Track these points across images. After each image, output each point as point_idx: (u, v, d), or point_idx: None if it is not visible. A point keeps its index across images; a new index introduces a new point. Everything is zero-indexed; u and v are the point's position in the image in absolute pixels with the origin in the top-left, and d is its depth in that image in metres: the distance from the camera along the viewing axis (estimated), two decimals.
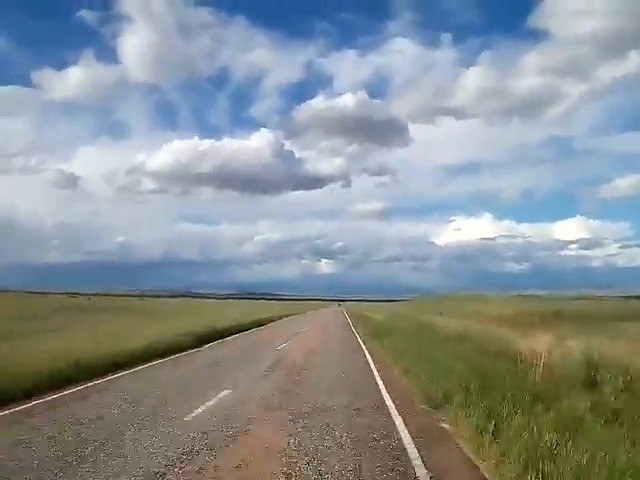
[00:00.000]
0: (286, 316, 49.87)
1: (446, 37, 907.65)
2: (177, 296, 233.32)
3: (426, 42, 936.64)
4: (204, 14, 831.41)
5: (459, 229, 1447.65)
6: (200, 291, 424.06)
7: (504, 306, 49.96)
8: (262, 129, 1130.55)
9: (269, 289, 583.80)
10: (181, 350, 15.47)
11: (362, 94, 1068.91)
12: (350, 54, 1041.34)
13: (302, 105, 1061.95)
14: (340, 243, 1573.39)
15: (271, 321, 38.51)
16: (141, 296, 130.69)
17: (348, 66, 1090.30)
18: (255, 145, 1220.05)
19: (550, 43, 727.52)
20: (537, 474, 4.52)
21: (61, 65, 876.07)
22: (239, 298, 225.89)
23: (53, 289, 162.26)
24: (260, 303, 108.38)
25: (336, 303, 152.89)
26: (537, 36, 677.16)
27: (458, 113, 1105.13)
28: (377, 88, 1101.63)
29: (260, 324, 32.65)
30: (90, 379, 9.99)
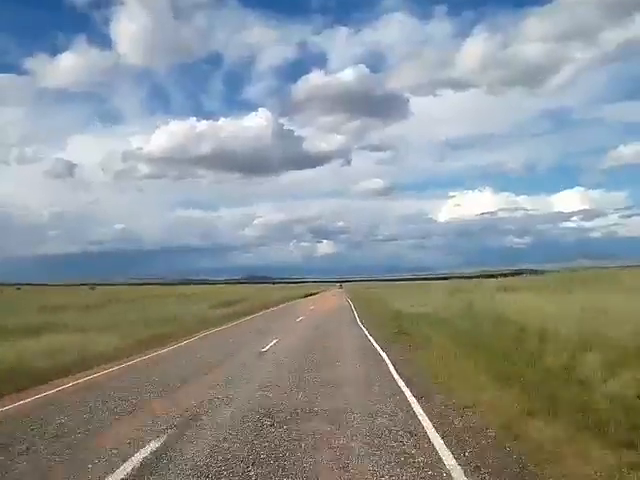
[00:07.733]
0: None
1: (442, 8, 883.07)
2: (175, 284, 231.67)
3: (422, 15, 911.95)
4: None
5: (459, 204, 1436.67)
6: (200, 277, 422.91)
7: None
8: (260, 109, 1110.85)
9: (269, 272, 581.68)
10: None
11: (362, 68, 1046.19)
12: (346, 31, 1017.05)
13: (300, 83, 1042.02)
14: (341, 223, 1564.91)
15: None
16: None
17: (345, 42, 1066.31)
18: (254, 125, 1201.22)
19: (552, 7, 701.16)
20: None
21: (54, 51, 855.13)
22: (236, 283, 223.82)
23: (51, 281, 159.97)
24: (240, 288, 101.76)
25: (337, 284, 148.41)
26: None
27: (458, 84, 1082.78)
28: (376, 63, 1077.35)
29: None
30: None
